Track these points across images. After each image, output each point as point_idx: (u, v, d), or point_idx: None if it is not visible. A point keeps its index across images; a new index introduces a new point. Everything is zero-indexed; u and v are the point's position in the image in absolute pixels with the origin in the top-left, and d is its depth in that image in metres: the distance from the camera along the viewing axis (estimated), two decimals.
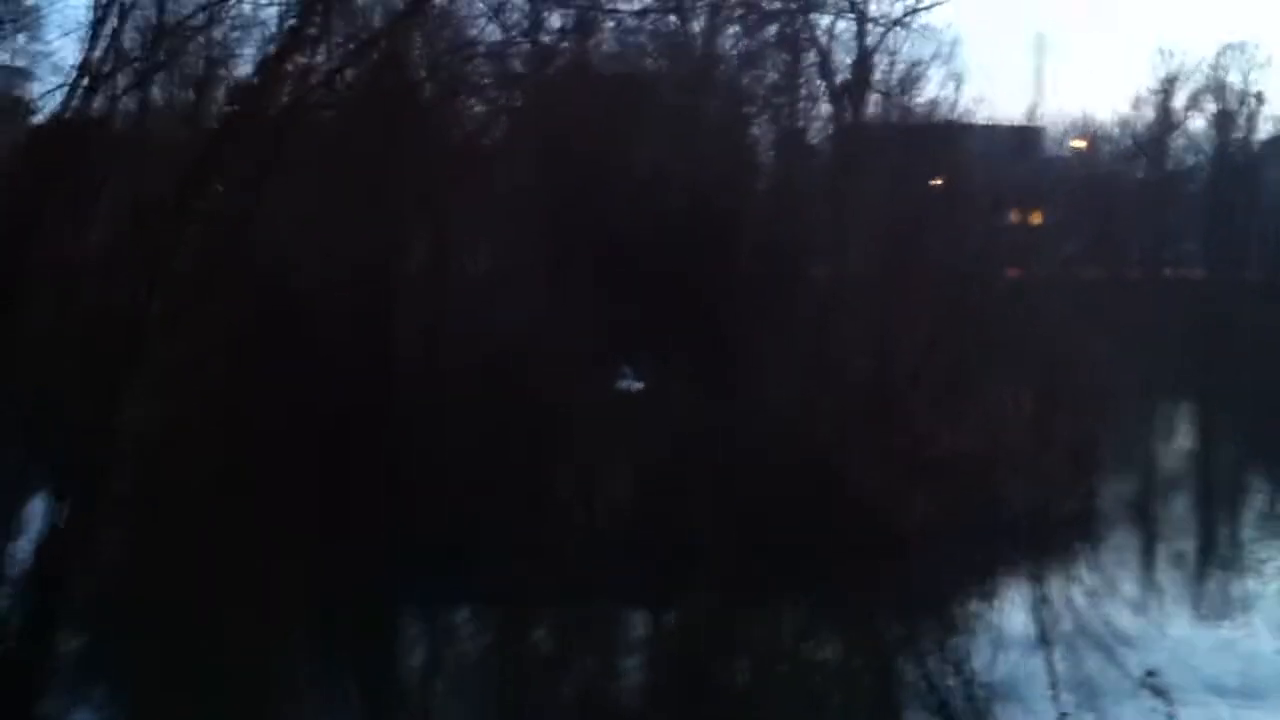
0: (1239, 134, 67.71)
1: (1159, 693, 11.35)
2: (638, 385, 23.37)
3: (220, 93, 22.19)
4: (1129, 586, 22.78)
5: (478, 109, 29.44)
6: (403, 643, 19.02)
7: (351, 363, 21.24)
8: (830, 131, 36.46)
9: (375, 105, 22.55)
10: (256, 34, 22.47)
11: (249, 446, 18.09)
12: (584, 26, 30.02)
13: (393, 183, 22.36)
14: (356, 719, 16.30)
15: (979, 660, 18.29)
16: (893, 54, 36.17)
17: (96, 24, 16.95)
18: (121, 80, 18.21)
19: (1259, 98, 67.04)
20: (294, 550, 17.59)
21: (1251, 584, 22.30)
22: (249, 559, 17.13)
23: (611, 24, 31.30)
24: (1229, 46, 67.40)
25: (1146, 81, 76.53)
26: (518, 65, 30.00)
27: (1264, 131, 68.55)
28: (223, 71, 22.74)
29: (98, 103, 17.45)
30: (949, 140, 35.22)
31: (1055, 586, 22.72)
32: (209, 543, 16.92)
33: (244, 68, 22.02)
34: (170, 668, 15.55)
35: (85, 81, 16.83)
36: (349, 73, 21.42)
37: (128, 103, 19.92)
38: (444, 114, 26.38)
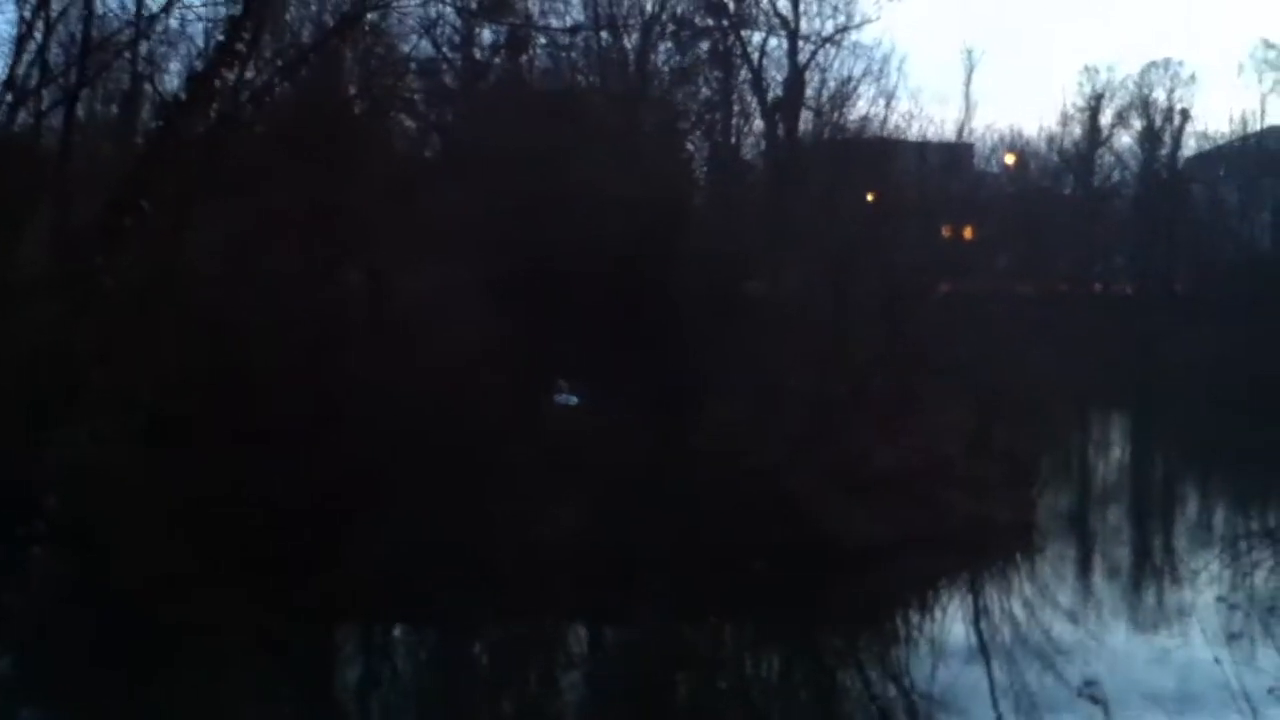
0: (1164, 150, 68.73)
1: (1097, 702, 11.36)
2: (573, 400, 23.23)
3: (148, 110, 21.90)
4: (1066, 597, 22.92)
5: (410, 125, 29.31)
6: (345, 663, 18.75)
7: (287, 384, 20.93)
8: (763, 148, 36.70)
9: (306, 122, 22.31)
10: (185, 49, 22.23)
11: (183, 471, 17.78)
12: (516, 43, 30.01)
13: (325, 201, 22.11)
14: None
15: (919, 671, 18.32)
16: (824, 71, 36.54)
17: (21, 39, 16.69)
18: (47, 97, 17.92)
19: (1184, 115, 68.21)
20: (233, 575, 17.28)
21: (1186, 593, 22.50)
22: (186, 583, 16.83)
23: (544, 40, 31.33)
24: (1154, 64, 68.56)
25: (1074, 98, 77.49)
26: (450, 81, 29.92)
27: (1189, 148, 69.75)
28: (150, 88, 22.41)
29: (21, 119, 17.17)
30: (881, 156, 35.51)
31: (994, 597, 22.84)
32: (145, 568, 16.61)
33: (172, 83, 21.78)
34: (109, 694, 15.23)
35: (9, 98, 16.54)
36: (279, 89, 21.23)
37: (53, 120, 19.59)
38: (376, 131, 26.18)
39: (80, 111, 22.08)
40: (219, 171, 17.82)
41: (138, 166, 16.43)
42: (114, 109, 22.90)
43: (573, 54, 32.41)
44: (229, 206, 20.66)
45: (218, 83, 17.07)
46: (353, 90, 25.46)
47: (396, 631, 19.70)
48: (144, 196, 15.97)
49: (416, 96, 28.41)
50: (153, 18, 20.22)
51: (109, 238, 15.41)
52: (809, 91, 36.18)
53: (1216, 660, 11.59)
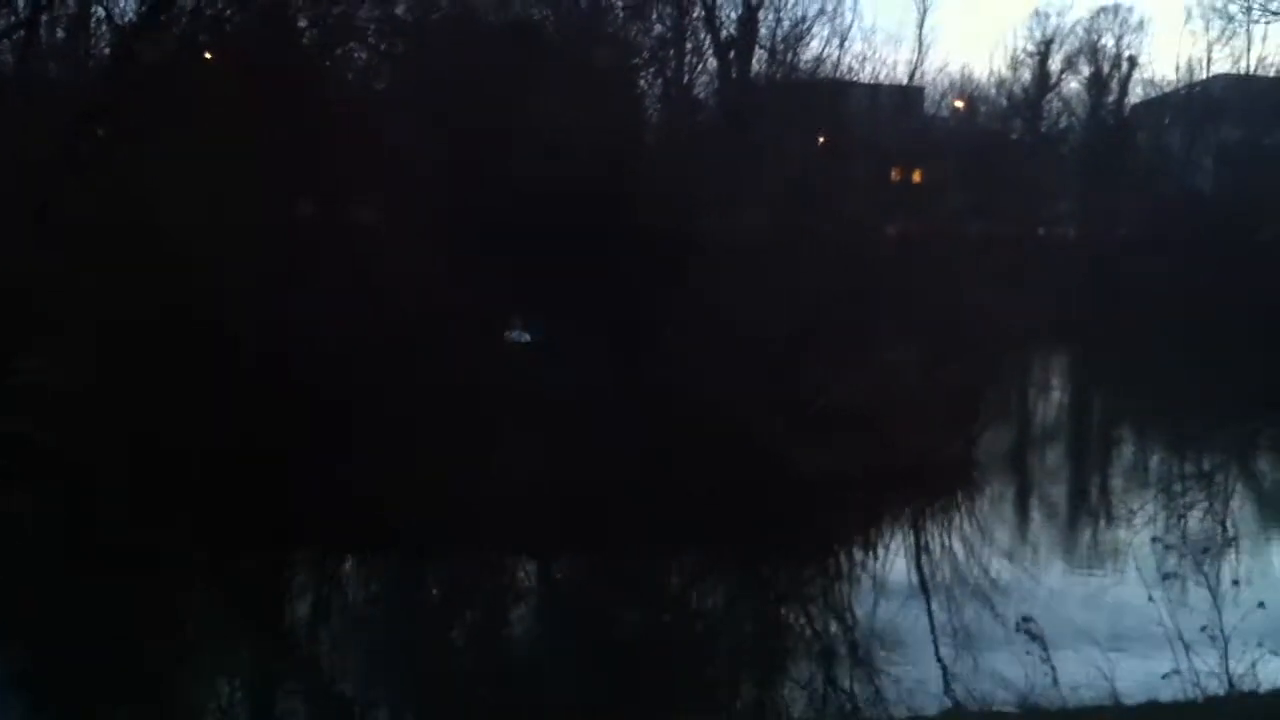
0: (1112, 97, 69.11)
1: (1033, 637, 11.66)
2: (525, 337, 23.28)
3: (106, 36, 21.57)
4: (1006, 535, 23.38)
5: (361, 56, 29.00)
6: (301, 595, 18.89)
7: (241, 316, 20.85)
8: (716, 87, 36.58)
9: (258, 51, 22.07)
10: None
11: (147, 402, 17.72)
12: None
13: (280, 133, 21.94)
14: (261, 666, 16.14)
15: (863, 606, 18.68)
16: (779, 10, 36.40)
17: None
18: (1, 21, 17.61)
19: (1131, 61, 68.58)
20: (190, 504, 17.32)
21: (1122, 533, 22.97)
22: (150, 512, 16.85)
23: None
24: (1104, 10, 69.02)
25: (1024, 43, 77.72)
26: (402, 12, 29.57)
27: (1135, 94, 70.20)
28: (105, 13, 22.08)
29: None
30: (834, 98, 35.54)
31: (936, 534, 23.25)
32: (103, 496, 16.61)
33: (128, 9, 21.44)
34: (71, 621, 15.28)
35: None
36: (233, 19, 20.97)
37: (10, 47, 19.27)
38: (327, 60, 25.94)
39: (39, 38, 21.78)
40: (174, 100, 17.60)
41: (94, 93, 16.20)
42: (62, 34, 22.56)
43: None
44: (184, 135, 20.46)
45: (175, 9, 16.84)
46: (304, 21, 25.20)
47: (353, 564, 19.82)
48: (101, 124, 15.80)
49: (369, 27, 28.09)
50: None
51: (66, 163, 15.25)
52: (763, 31, 36.08)
53: (1151, 599, 11.93)
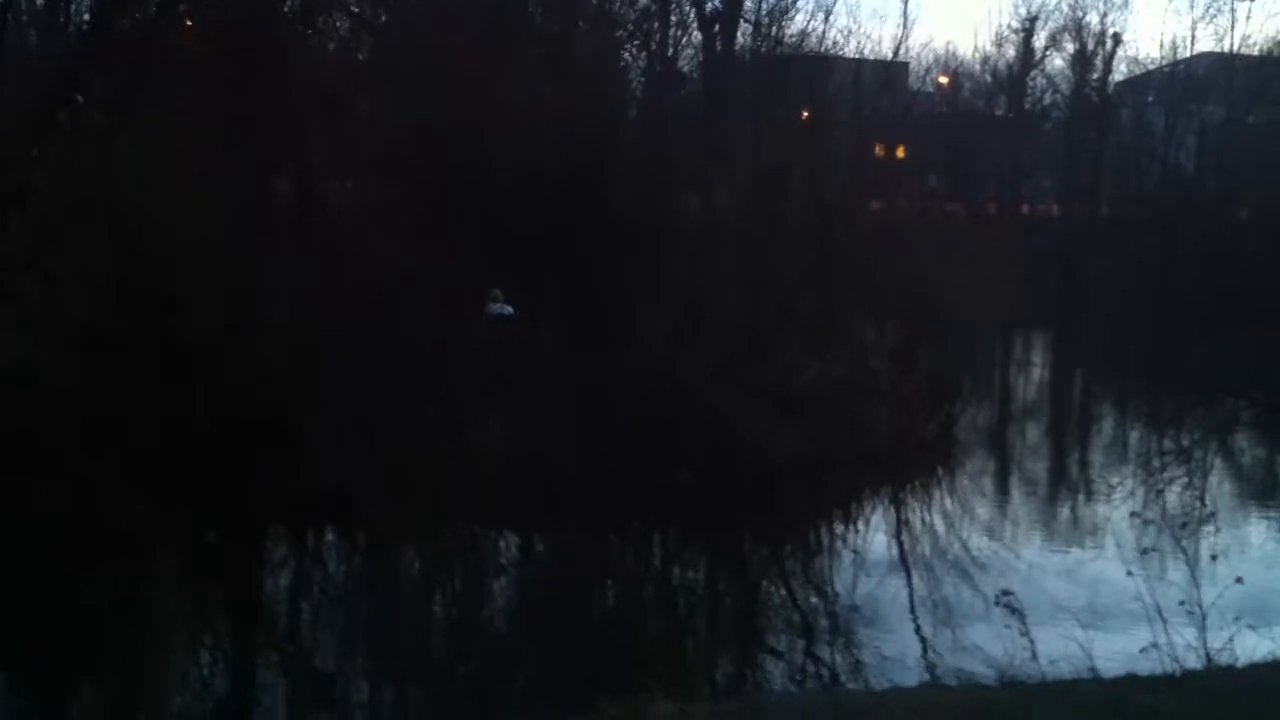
0: (1095, 74, 69.18)
1: (1013, 612, 11.71)
2: (508, 310, 23.21)
3: (83, 5, 21.36)
4: (985, 511, 23.44)
5: (341, 25, 28.82)
6: (270, 573, 18.81)
7: (215, 293, 20.74)
8: (700, 60, 36.45)
9: (237, 20, 21.89)
10: None
11: (114, 379, 17.59)
12: None
13: (258, 106, 21.79)
14: (231, 647, 16.10)
15: (842, 582, 18.72)
16: None
17: None
18: None
19: (1116, 39, 68.64)
20: (160, 484, 17.22)
21: (1101, 509, 23.08)
22: (115, 501, 16.74)
23: None
24: None
25: (1009, 20, 77.81)
26: None
27: (1119, 72, 70.29)
28: None
29: None
30: (818, 73, 35.47)
31: (915, 511, 23.30)
32: (74, 475, 16.50)
33: None
34: (36, 604, 15.21)
35: None
36: None
37: None
38: (308, 30, 25.76)
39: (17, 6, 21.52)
40: (151, 69, 17.43)
41: (71, 60, 16.02)
42: (41, 2, 22.35)
43: None
44: (162, 106, 20.30)
45: None
46: None
47: (325, 541, 19.77)
48: (77, 91, 15.65)
49: None
50: None
51: (41, 133, 15.09)
52: (747, 4, 35.93)
53: (1129, 574, 11.99)
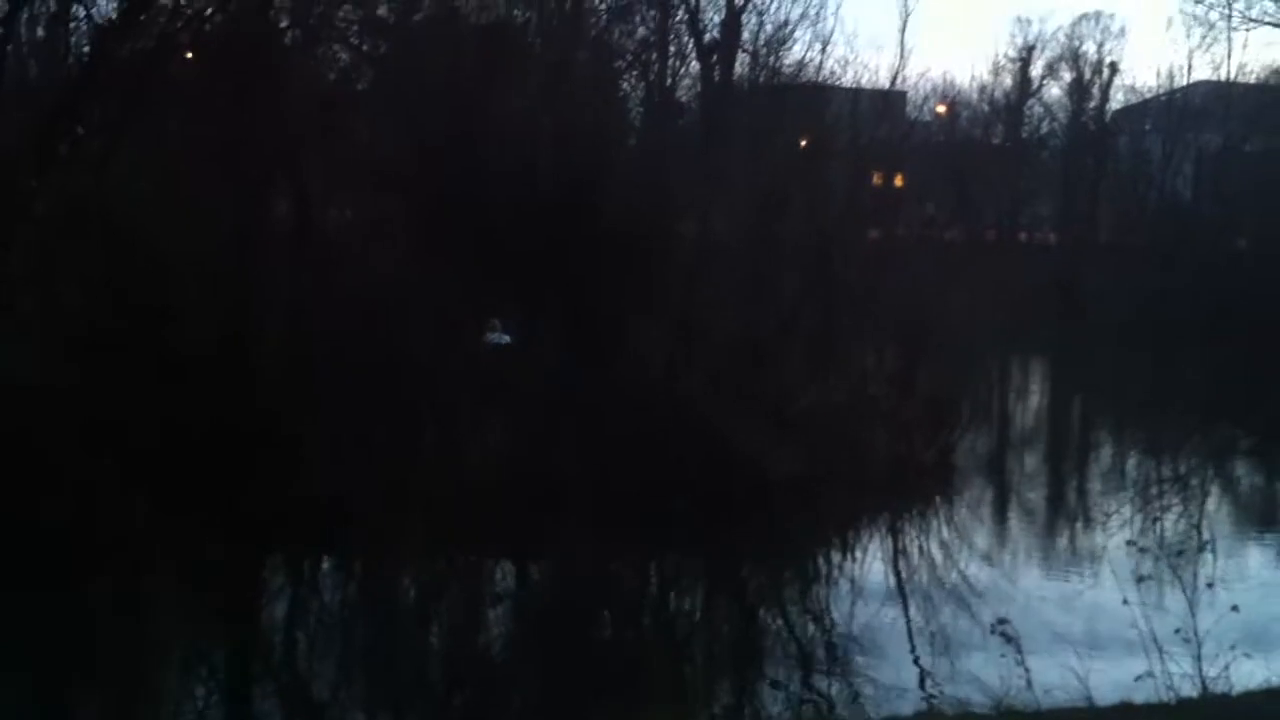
0: (1093, 102, 69.49)
1: (1009, 640, 11.71)
2: (505, 339, 23.28)
3: (79, 33, 21.47)
4: (982, 539, 23.43)
5: (342, 56, 28.96)
6: (273, 594, 18.81)
7: (214, 313, 20.83)
8: (699, 90, 36.66)
9: (237, 50, 22.02)
10: None
11: (113, 390, 17.65)
12: None
13: (255, 131, 21.89)
14: (227, 672, 16.09)
15: (839, 610, 18.70)
16: (761, 14, 36.49)
17: None
18: None
19: (1112, 68, 69.04)
20: (158, 498, 17.25)
21: (1098, 537, 23.07)
22: (114, 513, 16.77)
23: None
24: (1085, 17, 69.34)
25: (1006, 49, 78.18)
26: (383, 12, 29.53)
27: (1116, 101, 70.60)
28: (83, 9, 21.94)
29: None
30: (815, 102, 35.62)
31: (913, 537, 23.31)
32: (71, 490, 16.54)
33: (106, 6, 21.33)
34: (30, 626, 15.20)
35: None
36: (213, 16, 20.90)
37: None
38: (307, 60, 25.90)
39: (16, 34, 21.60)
40: (151, 97, 17.54)
41: (71, 90, 16.13)
42: (41, 31, 22.48)
43: None
44: (160, 132, 20.39)
45: (152, 8, 16.79)
46: (284, 19, 25.15)
47: (321, 553, 19.74)
48: (77, 120, 15.75)
49: (350, 26, 28.06)
50: None
51: (41, 161, 15.20)
52: (745, 34, 36.17)
53: (1125, 601, 11.98)
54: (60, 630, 14.93)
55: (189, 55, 20.60)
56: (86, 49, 19.42)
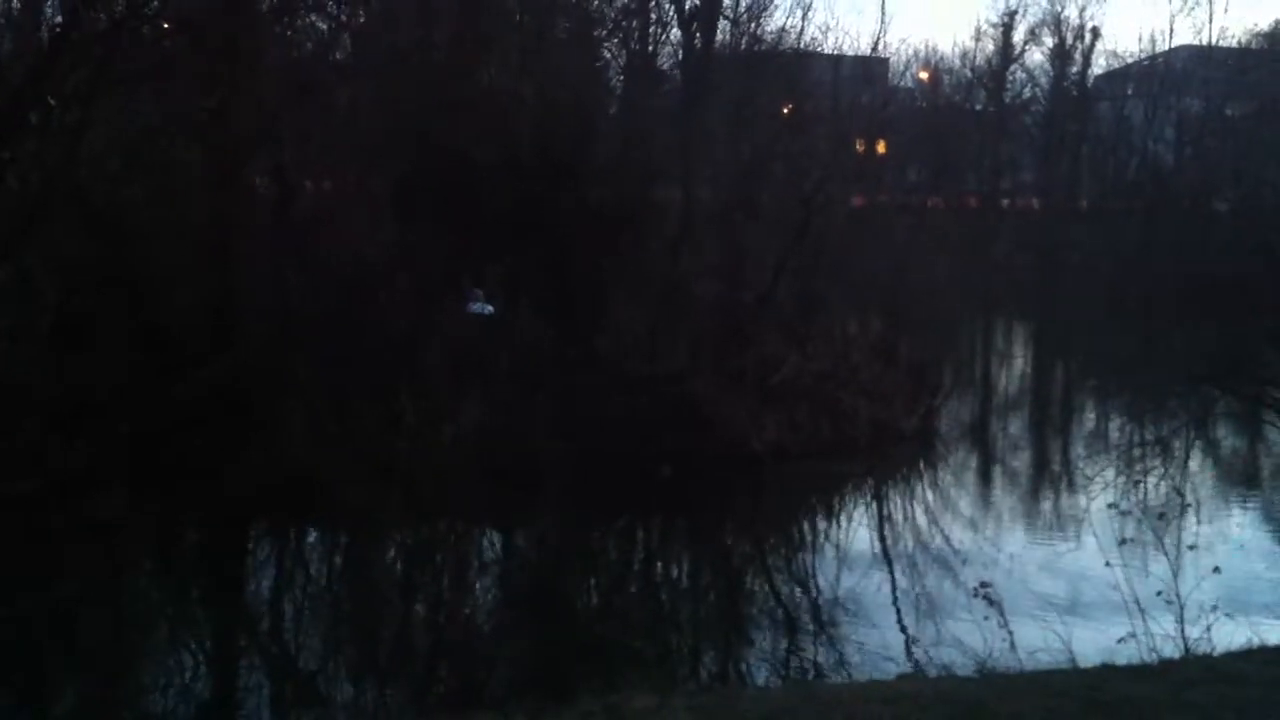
0: (1074, 68, 69.44)
1: (991, 603, 11.74)
2: (489, 309, 23.21)
3: (54, 2, 21.27)
4: (965, 503, 23.47)
5: (320, 25, 28.77)
6: (247, 562, 18.74)
7: (190, 284, 20.70)
8: (679, 57, 36.43)
9: (212, 18, 21.82)
10: None
11: (87, 370, 17.54)
12: None
13: (232, 102, 21.71)
14: (210, 641, 16.04)
15: (823, 576, 18.72)
16: None
17: None
18: None
19: (1095, 33, 69.04)
20: (136, 474, 17.18)
21: (1081, 500, 23.08)
22: (90, 482, 16.69)
23: None
24: None
25: (988, 14, 78.03)
26: None
27: (1098, 66, 70.53)
28: None
29: None
30: (796, 68, 35.48)
31: (896, 503, 23.34)
32: (48, 467, 16.47)
33: None
34: (11, 593, 15.15)
35: None
36: None
37: None
38: (284, 30, 25.70)
39: None
40: (124, 67, 17.36)
41: (42, 60, 15.95)
42: (17, 4, 22.27)
43: None
44: (134, 103, 20.20)
45: None
46: None
47: (302, 528, 19.69)
48: (48, 91, 15.58)
49: None
50: None
51: (12, 132, 15.03)
52: (726, 1, 35.93)
53: (1108, 564, 12.00)
54: (40, 609, 14.87)
55: (164, 25, 20.43)
56: (59, 19, 19.26)
